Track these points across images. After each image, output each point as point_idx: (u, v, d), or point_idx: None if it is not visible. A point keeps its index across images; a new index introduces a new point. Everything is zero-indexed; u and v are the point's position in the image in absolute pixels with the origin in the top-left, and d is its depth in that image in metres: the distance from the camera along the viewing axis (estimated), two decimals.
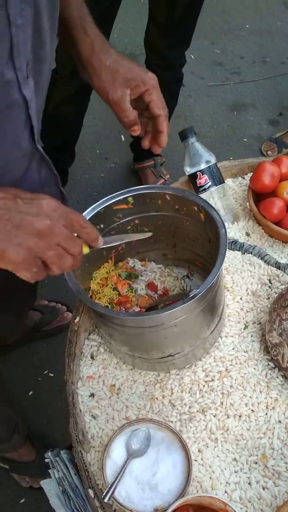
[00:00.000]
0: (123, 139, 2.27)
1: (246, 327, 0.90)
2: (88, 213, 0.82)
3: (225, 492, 0.74)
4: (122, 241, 0.75)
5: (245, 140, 2.33)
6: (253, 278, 0.95)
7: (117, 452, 0.73)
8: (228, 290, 0.94)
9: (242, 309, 0.92)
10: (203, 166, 1.03)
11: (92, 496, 0.74)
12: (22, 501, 1.34)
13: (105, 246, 0.66)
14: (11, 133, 0.61)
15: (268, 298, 0.93)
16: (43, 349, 1.62)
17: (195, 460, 0.76)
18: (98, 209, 0.82)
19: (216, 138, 2.31)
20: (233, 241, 0.87)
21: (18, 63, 0.55)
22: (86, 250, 0.62)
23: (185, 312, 0.70)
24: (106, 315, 0.72)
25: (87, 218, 0.81)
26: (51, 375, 1.56)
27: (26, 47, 0.56)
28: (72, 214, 0.57)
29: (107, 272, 0.92)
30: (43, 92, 0.68)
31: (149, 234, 0.77)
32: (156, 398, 0.83)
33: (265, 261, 0.83)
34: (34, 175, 0.72)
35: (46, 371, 1.56)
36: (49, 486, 0.75)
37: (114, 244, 0.70)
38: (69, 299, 1.68)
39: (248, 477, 0.75)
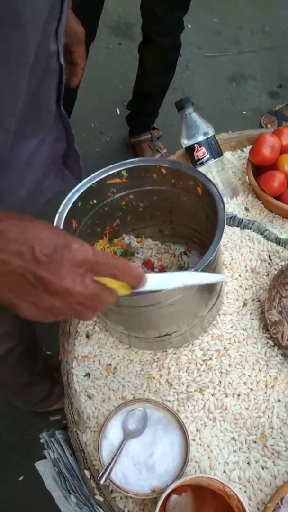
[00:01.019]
0: (118, 112, 2.21)
1: (245, 304, 0.87)
2: (79, 189, 0.78)
3: (224, 472, 0.73)
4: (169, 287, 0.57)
5: (244, 113, 2.27)
6: (252, 254, 0.92)
7: (114, 433, 0.72)
8: (226, 267, 0.91)
9: (241, 286, 0.89)
10: (200, 138, 0.99)
11: (88, 477, 0.73)
12: (21, 478, 1.35)
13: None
14: (45, 97, 0.64)
15: (268, 275, 0.91)
16: (41, 327, 1.60)
17: (193, 440, 0.74)
18: (90, 183, 0.79)
19: (214, 111, 2.25)
20: (231, 217, 0.84)
21: (59, 35, 0.59)
22: (125, 291, 0.51)
23: (182, 290, 0.68)
24: None
25: (79, 194, 0.77)
26: (49, 353, 1.54)
27: (65, 20, 0.60)
28: (105, 262, 0.47)
29: (101, 250, 0.89)
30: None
31: (221, 277, 0.69)
32: (153, 377, 0.81)
33: (264, 237, 0.80)
34: (52, 131, 0.73)
35: (44, 349, 1.55)
36: (44, 468, 0.74)
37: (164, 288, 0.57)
38: None
39: (247, 457, 0.74)
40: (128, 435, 0.71)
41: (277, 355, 0.81)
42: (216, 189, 0.72)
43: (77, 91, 1.78)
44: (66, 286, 0.43)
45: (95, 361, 0.84)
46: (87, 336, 0.86)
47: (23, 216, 0.45)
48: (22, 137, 0.64)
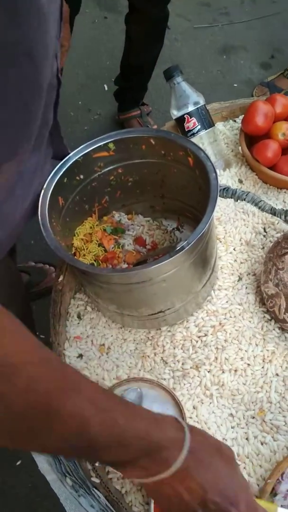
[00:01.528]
0: (106, 88, 2.15)
1: (240, 279, 0.85)
2: (64, 163, 0.75)
3: None
4: None
5: (235, 85, 2.21)
6: (247, 227, 0.89)
7: None
8: (220, 241, 0.88)
9: (235, 260, 0.87)
10: (191, 108, 0.95)
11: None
12: (18, 463, 1.34)
13: None
14: (46, 114, 0.64)
15: (263, 247, 0.88)
16: (33, 311, 1.58)
17: (190, 418, 0.73)
18: (76, 157, 0.75)
19: (205, 84, 2.19)
20: (224, 188, 0.80)
21: (58, 52, 0.60)
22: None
23: (174, 265, 0.65)
24: (89, 273, 0.67)
25: (64, 169, 0.74)
26: (42, 336, 1.52)
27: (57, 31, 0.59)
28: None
29: (90, 228, 0.86)
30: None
31: None
32: (148, 356, 0.79)
33: (259, 208, 0.77)
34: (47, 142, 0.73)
35: (37, 333, 1.53)
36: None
37: None
38: (56, 260, 1.63)
39: (246, 433, 0.73)
40: None
41: (274, 329, 0.79)
42: (208, 158, 0.69)
43: (62, 67, 1.72)
44: None
45: (87, 341, 0.82)
46: (79, 317, 0.84)
47: (207, 446, 0.49)
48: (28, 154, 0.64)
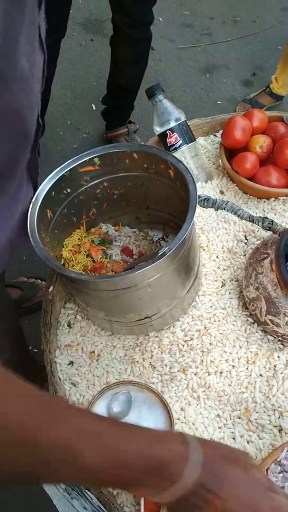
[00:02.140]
0: (94, 108, 2.21)
1: (223, 285, 0.89)
2: (52, 177, 0.78)
3: None
4: None
5: (219, 102, 2.29)
6: (229, 235, 0.93)
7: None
8: (204, 249, 0.92)
9: (218, 267, 0.91)
10: (172, 124, 1.00)
11: None
12: None
13: None
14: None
15: (245, 254, 0.92)
16: (26, 326, 1.59)
17: (178, 419, 0.75)
18: (63, 172, 0.79)
19: (189, 102, 2.26)
20: (205, 198, 0.85)
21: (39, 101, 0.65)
22: None
23: (157, 271, 0.69)
24: (77, 280, 0.70)
25: (52, 183, 0.78)
26: (35, 350, 1.54)
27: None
28: None
29: (79, 239, 0.90)
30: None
31: None
32: (137, 362, 0.82)
33: (238, 216, 0.81)
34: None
35: (30, 347, 1.55)
36: None
37: None
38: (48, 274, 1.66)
39: (232, 432, 0.75)
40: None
41: (257, 332, 0.83)
42: (187, 169, 0.73)
43: (51, 87, 1.78)
44: None
45: (78, 349, 0.84)
46: (69, 326, 0.87)
47: (222, 457, 0.47)
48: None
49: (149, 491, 0.45)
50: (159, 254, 0.65)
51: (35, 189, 0.77)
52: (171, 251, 0.66)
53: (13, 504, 1.32)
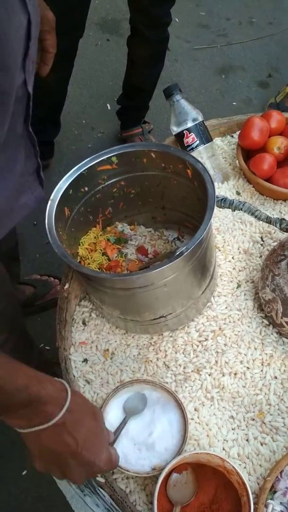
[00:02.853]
0: (109, 108, 2.21)
1: (239, 286, 0.88)
2: (70, 176, 0.79)
3: (223, 449, 0.74)
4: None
5: (234, 103, 2.28)
6: (245, 236, 0.93)
7: (113, 414, 0.73)
8: (219, 250, 0.92)
9: (234, 268, 0.90)
10: (189, 124, 1.00)
11: None
12: (24, 473, 1.35)
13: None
14: (12, 121, 0.65)
15: (261, 256, 0.91)
16: (38, 323, 1.61)
17: (192, 419, 0.75)
18: (81, 170, 0.80)
19: (205, 103, 2.26)
20: (222, 199, 0.84)
21: (27, 65, 0.63)
22: None
23: (174, 270, 0.69)
24: (94, 277, 0.70)
25: (70, 181, 0.78)
26: (48, 348, 1.55)
27: (34, 50, 0.63)
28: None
29: (95, 237, 0.90)
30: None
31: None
32: (151, 361, 0.82)
33: (255, 217, 0.81)
34: (19, 149, 0.75)
35: (42, 345, 1.56)
36: None
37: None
38: (61, 273, 1.66)
39: (246, 434, 0.75)
40: (127, 414, 0.72)
41: (272, 334, 0.82)
42: (205, 169, 0.73)
43: (67, 87, 1.79)
44: (75, 480, 0.57)
45: (92, 347, 0.85)
46: (84, 323, 0.87)
47: (85, 409, 0.58)
48: None
49: (21, 423, 0.53)
50: (177, 253, 0.65)
51: (36, 157, 0.80)
52: (188, 250, 0.65)
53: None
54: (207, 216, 0.68)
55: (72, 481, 0.59)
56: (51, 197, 0.76)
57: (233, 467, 0.66)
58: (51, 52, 0.88)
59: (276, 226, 0.79)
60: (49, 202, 0.76)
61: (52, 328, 0.88)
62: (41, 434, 0.54)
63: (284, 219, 0.79)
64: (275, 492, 0.67)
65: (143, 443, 0.69)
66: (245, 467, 0.72)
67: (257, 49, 2.53)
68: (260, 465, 0.72)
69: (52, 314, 1.66)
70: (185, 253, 0.65)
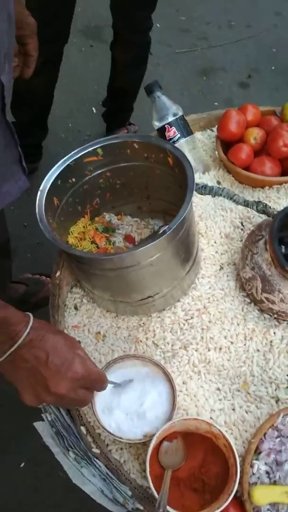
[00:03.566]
0: (94, 111, 2.27)
1: (221, 268, 0.93)
2: (58, 167, 0.83)
3: (211, 418, 0.78)
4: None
5: (216, 104, 2.35)
6: (226, 222, 0.98)
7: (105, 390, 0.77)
8: (202, 236, 0.97)
9: (217, 252, 0.95)
10: (170, 118, 1.05)
11: (85, 432, 0.77)
12: (22, 465, 1.38)
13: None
14: None
15: (241, 240, 0.96)
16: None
17: (180, 391, 0.80)
18: (68, 162, 0.84)
19: (187, 104, 2.32)
20: (203, 186, 0.90)
21: (4, 61, 0.66)
22: None
23: (158, 249, 0.73)
24: (83, 259, 0.75)
25: (58, 172, 0.83)
26: None
27: (3, 38, 0.64)
28: (95, 380, 0.64)
29: (83, 227, 0.94)
30: (12, 69, 0.76)
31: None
32: (140, 341, 0.86)
33: (234, 201, 0.86)
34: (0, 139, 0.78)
35: None
36: (42, 427, 0.78)
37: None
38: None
39: (232, 404, 0.80)
40: (119, 386, 0.76)
41: (254, 310, 0.87)
42: (184, 156, 0.78)
43: (53, 92, 1.84)
44: (62, 392, 0.58)
45: (84, 330, 0.89)
46: (76, 308, 0.91)
47: (50, 328, 0.61)
48: None
49: None
50: (159, 232, 0.70)
51: (16, 146, 0.83)
52: (170, 230, 0.70)
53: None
54: (188, 197, 0.73)
55: (61, 397, 0.59)
56: (41, 187, 0.81)
57: (220, 430, 0.70)
58: (33, 55, 0.93)
59: (253, 209, 0.85)
60: (39, 192, 0.80)
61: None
62: (15, 360, 0.57)
63: (260, 201, 0.85)
64: (260, 453, 0.72)
65: (134, 412, 0.74)
66: (231, 433, 0.77)
67: (237, 51, 2.61)
68: (246, 431, 0.77)
69: (45, 312, 1.69)
70: (168, 232, 0.70)
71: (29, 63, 0.94)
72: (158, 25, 2.66)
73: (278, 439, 0.72)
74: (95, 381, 0.64)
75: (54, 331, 0.61)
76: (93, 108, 2.28)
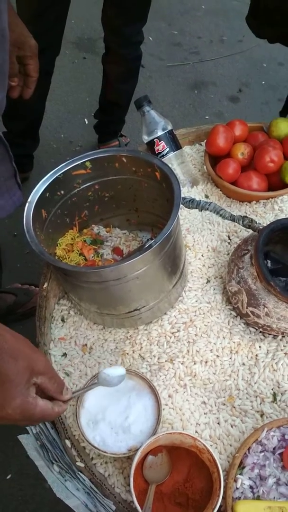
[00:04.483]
0: (86, 122, 2.28)
1: (208, 281, 0.94)
2: (47, 179, 0.84)
3: (196, 431, 0.78)
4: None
5: (207, 117, 2.38)
6: (213, 235, 0.99)
7: (89, 402, 0.76)
8: (190, 249, 0.98)
9: (204, 265, 0.96)
10: (159, 132, 1.07)
11: (69, 446, 0.77)
12: (8, 477, 1.37)
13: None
14: None
15: (228, 253, 0.97)
16: (20, 331, 1.62)
17: (166, 405, 0.80)
18: (57, 175, 0.85)
19: (178, 117, 2.35)
20: (190, 200, 0.91)
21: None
22: None
23: (145, 263, 0.74)
24: (70, 272, 0.75)
25: (46, 185, 0.83)
26: None
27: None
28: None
29: (72, 239, 0.95)
30: (5, 80, 0.75)
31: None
32: (127, 353, 0.87)
33: (221, 216, 0.87)
34: None
35: None
36: (27, 441, 0.77)
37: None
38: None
39: (217, 417, 0.80)
40: (99, 383, 0.73)
41: (240, 324, 0.88)
42: (172, 171, 0.79)
43: (45, 103, 1.85)
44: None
45: (71, 342, 0.89)
46: (63, 320, 0.91)
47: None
48: None
49: None
50: (146, 246, 0.70)
51: (11, 161, 0.84)
52: (157, 244, 0.71)
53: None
54: (174, 213, 0.74)
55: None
56: (29, 200, 0.81)
57: (204, 445, 0.70)
58: (33, 77, 0.94)
59: (239, 223, 0.86)
60: (27, 204, 0.81)
61: (34, 335, 0.92)
62: None
63: (246, 216, 0.86)
64: (243, 467, 0.72)
65: (120, 426, 0.74)
66: (216, 447, 0.77)
67: (228, 66, 2.65)
68: (230, 445, 0.77)
69: (33, 322, 1.69)
70: (154, 246, 0.71)
71: (30, 84, 0.95)
72: (150, 38, 2.70)
73: (262, 453, 0.73)
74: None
75: (5, 355, 0.55)
76: (85, 119, 2.30)
